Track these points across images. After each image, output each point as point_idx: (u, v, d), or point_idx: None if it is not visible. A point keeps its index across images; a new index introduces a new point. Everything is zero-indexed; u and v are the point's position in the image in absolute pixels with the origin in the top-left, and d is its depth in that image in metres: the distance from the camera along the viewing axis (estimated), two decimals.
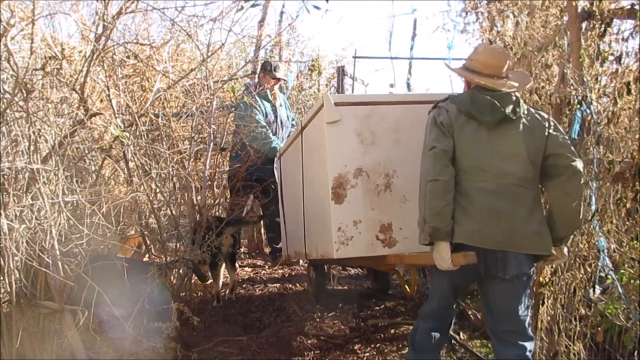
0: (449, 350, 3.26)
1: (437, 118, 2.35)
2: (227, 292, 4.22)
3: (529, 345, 2.29)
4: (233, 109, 4.48)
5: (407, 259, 2.83)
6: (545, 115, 2.40)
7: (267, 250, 5.94)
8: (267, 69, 4.72)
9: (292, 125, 4.94)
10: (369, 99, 2.96)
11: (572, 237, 2.52)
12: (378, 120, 2.86)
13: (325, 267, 4.30)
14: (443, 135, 2.31)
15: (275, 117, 4.79)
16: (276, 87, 4.83)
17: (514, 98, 2.34)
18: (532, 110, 2.40)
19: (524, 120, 2.33)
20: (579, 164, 2.27)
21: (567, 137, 2.40)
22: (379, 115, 2.86)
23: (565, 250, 2.42)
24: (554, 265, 2.67)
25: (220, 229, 3.69)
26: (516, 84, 2.40)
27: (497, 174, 2.28)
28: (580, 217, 2.34)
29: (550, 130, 2.33)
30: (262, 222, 5.01)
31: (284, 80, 4.81)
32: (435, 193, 2.24)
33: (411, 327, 3.57)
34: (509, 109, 2.29)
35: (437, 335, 2.46)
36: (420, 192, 2.32)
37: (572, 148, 2.33)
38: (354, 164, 2.82)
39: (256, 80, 5.03)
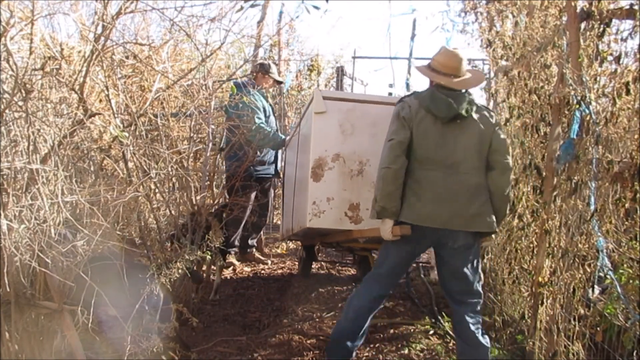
0: (448, 350, 3.27)
1: (400, 112, 2.72)
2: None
3: (477, 301, 2.75)
4: (234, 108, 4.48)
5: (366, 232, 3.24)
6: (494, 116, 2.81)
7: (267, 250, 5.96)
8: (269, 71, 4.84)
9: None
10: (354, 96, 3.46)
11: (571, 237, 2.55)
12: (359, 115, 3.33)
13: (314, 249, 4.82)
14: (402, 128, 2.69)
15: (274, 114, 4.93)
16: (271, 88, 4.92)
17: (468, 98, 2.72)
18: (483, 109, 2.79)
19: (475, 117, 2.72)
20: (510, 161, 2.74)
21: (505, 137, 2.81)
22: (360, 111, 3.34)
23: (492, 237, 2.87)
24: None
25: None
26: (470, 81, 2.76)
27: (446, 163, 2.67)
28: (507, 207, 2.84)
29: (496, 129, 2.74)
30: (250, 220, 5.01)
31: (287, 85, 4.92)
32: (386, 179, 2.64)
33: (411, 327, 3.59)
34: (462, 108, 2.67)
35: (376, 302, 2.79)
36: (377, 176, 2.72)
37: (508, 148, 2.78)
38: (333, 149, 3.32)
39: (251, 78, 5.07)
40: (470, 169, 2.69)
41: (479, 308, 2.77)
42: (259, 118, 4.52)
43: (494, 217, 2.71)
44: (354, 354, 2.84)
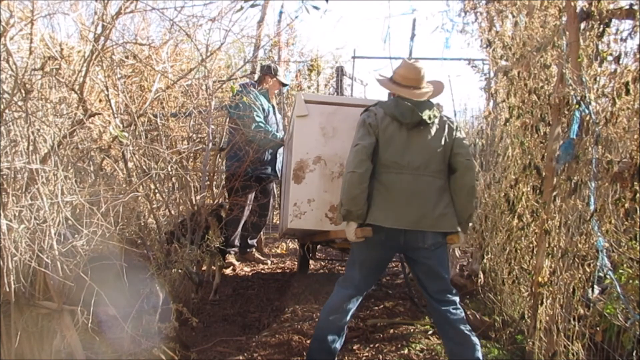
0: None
1: (366, 120, 2.84)
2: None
3: (456, 298, 2.81)
4: (235, 109, 4.49)
5: (342, 234, 3.19)
6: (455, 122, 2.95)
7: (267, 250, 5.96)
8: (276, 74, 4.93)
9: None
10: (335, 99, 3.50)
11: (571, 237, 2.54)
12: (341, 118, 3.36)
13: (310, 247, 4.83)
14: (367, 134, 2.79)
15: (275, 115, 4.94)
16: (276, 91, 4.96)
17: (430, 106, 2.86)
18: (444, 117, 2.93)
19: (437, 124, 2.86)
20: (472, 163, 2.86)
21: (467, 141, 2.98)
22: (342, 114, 3.36)
23: (462, 237, 2.88)
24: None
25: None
26: (429, 92, 2.89)
27: (412, 167, 2.77)
28: (473, 206, 2.90)
29: (457, 134, 2.87)
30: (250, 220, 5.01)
31: (289, 86, 4.95)
32: (351, 182, 2.71)
33: (410, 327, 3.60)
34: (425, 115, 2.79)
35: (351, 302, 2.81)
36: (342, 180, 2.83)
37: (470, 150, 2.92)
38: (315, 152, 3.36)
39: (255, 80, 5.10)
40: (435, 171, 2.80)
41: (458, 303, 2.81)
42: (258, 117, 4.56)
43: (456, 219, 2.80)
44: (336, 357, 2.84)
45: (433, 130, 2.84)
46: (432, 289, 2.81)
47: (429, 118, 2.81)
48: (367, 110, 2.93)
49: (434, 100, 2.97)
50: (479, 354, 2.69)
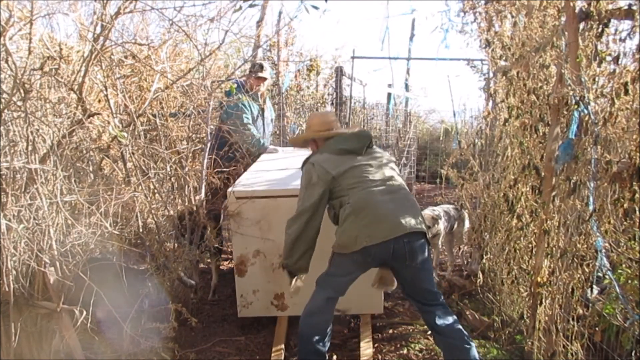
0: None
1: (311, 179, 2.86)
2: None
3: (440, 297, 2.84)
4: (232, 108, 4.49)
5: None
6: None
7: None
8: (250, 71, 4.83)
9: (271, 121, 5.21)
10: (266, 193, 3.43)
11: (570, 237, 2.56)
12: (274, 211, 3.40)
13: None
14: (313, 189, 2.83)
15: (263, 117, 4.91)
16: (263, 87, 4.85)
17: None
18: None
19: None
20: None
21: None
22: (275, 207, 3.39)
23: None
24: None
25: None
26: (345, 129, 3.13)
27: (383, 178, 2.86)
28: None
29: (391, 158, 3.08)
30: None
31: (265, 78, 4.84)
32: (297, 240, 2.83)
33: (410, 327, 3.60)
34: (368, 140, 2.98)
35: (331, 301, 2.85)
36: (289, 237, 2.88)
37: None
38: (253, 246, 3.47)
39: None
40: (398, 181, 2.92)
41: (443, 301, 2.86)
42: (247, 118, 4.60)
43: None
44: (326, 355, 2.86)
45: (377, 150, 3.04)
46: (421, 297, 2.83)
47: (371, 141, 3.01)
48: (304, 165, 2.99)
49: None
50: (474, 351, 2.71)
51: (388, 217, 2.72)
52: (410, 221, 2.73)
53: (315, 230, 2.86)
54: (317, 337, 2.79)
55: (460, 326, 2.76)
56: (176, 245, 3.60)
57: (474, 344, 2.73)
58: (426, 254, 2.79)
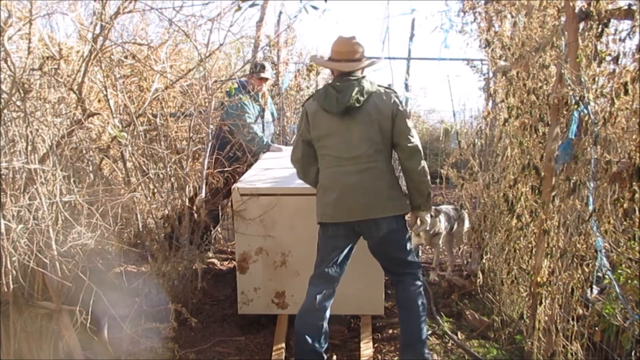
0: (447, 351, 3.26)
1: (300, 125, 2.93)
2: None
3: (418, 269, 2.89)
4: (233, 109, 4.49)
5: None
6: (393, 97, 2.82)
7: None
8: (252, 71, 4.84)
9: (273, 119, 5.26)
10: (270, 191, 3.42)
11: (569, 237, 2.54)
12: (278, 209, 3.38)
13: None
14: (298, 142, 2.92)
15: (262, 117, 4.94)
16: (265, 87, 4.89)
17: (357, 88, 2.75)
18: (381, 91, 2.82)
19: (371, 104, 2.77)
20: (415, 142, 2.79)
21: (408, 121, 2.83)
22: (279, 204, 3.38)
23: (428, 217, 2.98)
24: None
25: None
26: (363, 63, 2.85)
27: (350, 156, 2.75)
28: (428, 185, 2.87)
29: (396, 110, 2.79)
30: None
31: (267, 79, 4.86)
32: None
33: None
34: (352, 99, 2.72)
35: (322, 296, 2.84)
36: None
37: (413, 130, 2.82)
38: (256, 244, 3.42)
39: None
40: (376, 156, 2.78)
41: (419, 275, 2.89)
42: (249, 118, 4.63)
43: (406, 200, 2.87)
44: (324, 355, 2.87)
45: (367, 113, 2.77)
46: (390, 268, 2.93)
47: (357, 101, 2.74)
48: (303, 105, 2.99)
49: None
50: (424, 326, 2.83)
51: (347, 201, 2.75)
52: (372, 208, 2.73)
53: (315, 172, 2.93)
54: (312, 336, 2.80)
55: (422, 300, 2.84)
56: (175, 245, 3.60)
57: (425, 319, 2.86)
58: (395, 225, 2.79)
